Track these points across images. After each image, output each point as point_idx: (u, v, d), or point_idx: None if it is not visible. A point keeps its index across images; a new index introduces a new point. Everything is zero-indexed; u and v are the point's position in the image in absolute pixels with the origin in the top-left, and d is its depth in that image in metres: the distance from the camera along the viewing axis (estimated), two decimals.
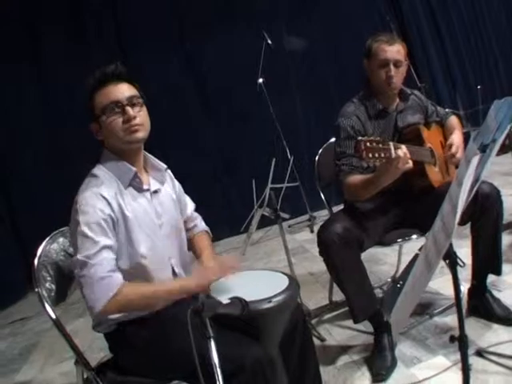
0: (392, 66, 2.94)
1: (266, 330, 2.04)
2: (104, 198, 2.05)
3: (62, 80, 5.99)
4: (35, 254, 2.30)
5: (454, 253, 1.76)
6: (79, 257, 1.98)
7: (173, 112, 6.09)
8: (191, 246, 2.53)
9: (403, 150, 2.48)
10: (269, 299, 1.92)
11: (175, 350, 1.98)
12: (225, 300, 1.68)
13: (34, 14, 6.18)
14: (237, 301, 1.69)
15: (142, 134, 2.16)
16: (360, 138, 2.38)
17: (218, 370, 1.56)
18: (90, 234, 1.99)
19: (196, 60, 6.72)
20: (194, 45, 6.68)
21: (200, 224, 2.60)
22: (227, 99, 6.66)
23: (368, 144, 2.35)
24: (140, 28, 6.43)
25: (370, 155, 2.36)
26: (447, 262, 1.78)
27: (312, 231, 5.99)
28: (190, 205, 2.59)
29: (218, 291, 2.03)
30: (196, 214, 2.61)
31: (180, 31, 6.68)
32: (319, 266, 4.30)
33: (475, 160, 1.35)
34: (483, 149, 1.42)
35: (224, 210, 6.39)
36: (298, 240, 5.80)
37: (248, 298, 1.73)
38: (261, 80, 6.06)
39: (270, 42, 5.97)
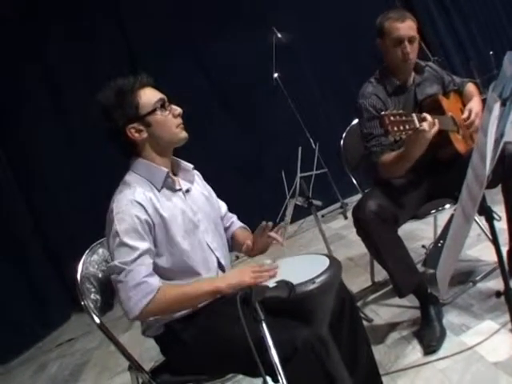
0: (407, 43, 2.94)
1: (314, 310, 2.06)
2: (139, 203, 2.09)
3: (80, 90, 6.03)
4: (76, 270, 2.33)
5: (489, 207, 1.78)
6: (116, 262, 2.03)
7: (190, 114, 5.96)
8: (233, 242, 2.57)
9: (427, 118, 2.51)
10: (312, 280, 1.94)
11: (226, 341, 2.01)
12: (271, 284, 1.72)
13: (37, 14, 6.28)
14: (283, 284, 1.72)
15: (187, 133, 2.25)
16: (383, 112, 2.40)
17: (274, 352, 1.58)
18: (127, 241, 2.03)
19: (208, 60, 6.75)
20: (204, 44, 6.70)
21: (236, 221, 2.64)
22: (244, 96, 6.68)
23: (392, 118, 2.38)
24: (148, 30, 6.44)
25: (396, 128, 2.39)
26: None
27: (346, 217, 6.02)
28: (223, 206, 2.63)
29: None
30: (231, 214, 2.65)
31: (188, 31, 6.66)
32: (357, 250, 4.35)
33: (496, 107, 1.38)
34: (503, 102, 1.44)
35: (256, 208, 6.38)
36: (333, 228, 5.82)
37: (292, 281, 1.75)
38: (276, 74, 6.10)
39: (279, 35, 5.99)
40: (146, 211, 2.09)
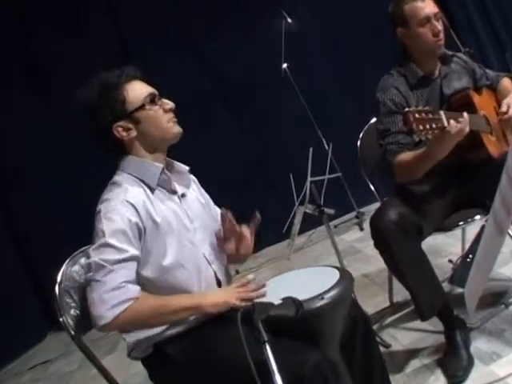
0: (434, 21, 2.96)
1: (323, 330, 2.06)
2: (131, 204, 2.11)
3: (67, 81, 6.05)
4: (54, 282, 2.32)
5: None
6: (97, 259, 2.03)
7: (189, 112, 5.90)
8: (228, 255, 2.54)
9: (458, 119, 2.50)
10: (320, 296, 1.95)
11: (225, 365, 2.01)
12: (275, 301, 1.72)
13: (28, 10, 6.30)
14: (290, 301, 1.71)
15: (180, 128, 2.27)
16: (407, 109, 2.39)
17: (279, 378, 1.56)
18: (113, 242, 2.04)
19: (207, 48, 6.73)
20: (202, 35, 6.68)
21: None
22: (248, 90, 6.65)
23: (417, 115, 2.37)
24: (141, 18, 6.44)
25: (421, 127, 2.37)
26: None
27: (362, 229, 6.00)
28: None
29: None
30: None
31: (185, 16, 6.70)
32: (374, 266, 4.35)
33: None
34: None
35: (261, 216, 6.31)
36: (346, 240, 5.80)
37: (299, 298, 1.75)
38: (285, 65, 6.05)
39: (289, 20, 5.96)
40: (138, 214, 2.11)
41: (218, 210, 2.56)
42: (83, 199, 6.10)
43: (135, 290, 2.05)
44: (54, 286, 2.31)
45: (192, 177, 2.50)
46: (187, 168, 2.42)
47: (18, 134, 6.25)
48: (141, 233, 2.11)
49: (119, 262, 2.03)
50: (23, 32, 6.27)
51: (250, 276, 2.18)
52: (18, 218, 6.37)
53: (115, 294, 2.00)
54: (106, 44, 6.41)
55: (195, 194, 2.44)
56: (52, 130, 6.40)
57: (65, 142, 6.34)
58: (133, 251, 2.07)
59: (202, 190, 2.55)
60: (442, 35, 2.98)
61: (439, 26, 2.96)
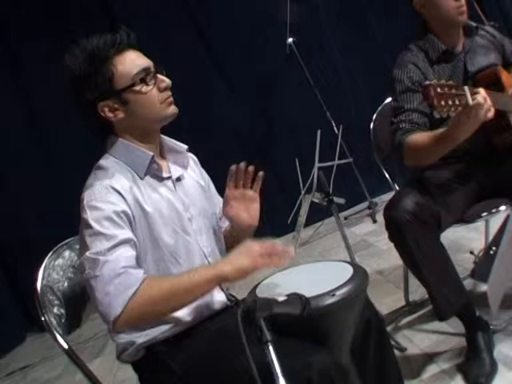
0: None
1: (332, 331, 2.04)
2: (116, 191, 2.07)
3: (44, 55, 6.07)
4: (35, 277, 2.29)
5: None
6: (88, 254, 1.97)
7: (187, 92, 5.88)
8: (225, 241, 2.51)
9: (482, 95, 2.45)
10: (331, 292, 1.94)
11: (223, 368, 1.99)
12: (280, 298, 1.71)
13: None
14: (295, 298, 1.70)
15: (176, 108, 2.22)
16: (428, 82, 2.37)
17: (283, 382, 1.52)
18: (101, 229, 1.99)
19: (203, 23, 6.74)
20: (202, 10, 6.69)
21: None
22: (250, 67, 6.68)
23: (439, 89, 2.34)
24: None
25: (443, 103, 2.35)
26: None
27: (375, 221, 6.03)
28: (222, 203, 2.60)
29: (269, 288, 2.07)
30: None
31: None
32: (388, 261, 4.37)
33: None
34: None
35: (263, 205, 6.26)
36: (357, 234, 5.82)
37: (306, 294, 1.73)
38: (290, 40, 6.06)
39: None
40: (125, 201, 2.07)
41: (221, 199, 2.53)
42: (58, 194, 6.19)
43: (138, 272, 1.99)
44: (35, 282, 2.28)
45: (191, 156, 2.48)
46: (185, 147, 2.39)
47: None
48: (130, 221, 2.08)
49: (112, 249, 1.97)
50: None
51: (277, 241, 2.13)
52: None
53: (117, 283, 1.92)
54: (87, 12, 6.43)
55: (194, 175, 2.43)
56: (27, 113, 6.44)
57: (42, 125, 6.47)
58: (125, 234, 2.02)
59: (204, 172, 2.54)
60: (464, 8, 2.97)
61: None
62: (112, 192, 2.06)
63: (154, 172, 2.23)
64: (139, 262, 2.07)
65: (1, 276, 6.31)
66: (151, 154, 2.21)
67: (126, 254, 2.00)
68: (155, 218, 2.14)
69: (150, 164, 2.20)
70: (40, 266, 2.33)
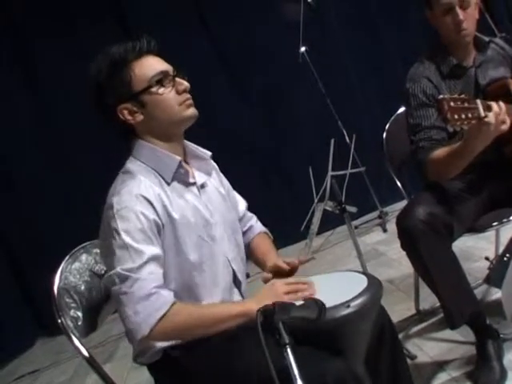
0: (458, 10, 2.95)
1: (347, 342, 2.06)
2: (146, 199, 2.10)
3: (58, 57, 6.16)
4: (52, 281, 2.33)
5: None
6: (119, 269, 2.01)
7: (198, 100, 5.84)
8: (250, 253, 2.57)
9: (495, 108, 2.49)
10: (347, 303, 1.95)
11: (241, 371, 2.02)
12: (297, 302, 1.75)
13: None
14: (312, 303, 1.74)
15: (196, 110, 2.25)
16: (442, 96, 2.41)
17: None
18: (132, 243, 2.03)
19: (217, 28, 6.74)
20: (213, 11, 6.72)
21: (256, 224, 2.66)
22: (263, 75, 6.67)
23: (452, 103, 2.37)
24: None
25: (456, 116, 2.38)
26: None
27: (385, 230, 6.04)
28: (242, 202, 2.66)
29: None
30: (250, 214, 2.68)
31: (198, 3, 6.72)
32: (398, 270, 4.39)
33: None
34: None
35: (275, 214, 6.31)
36: (368, 243, 5.83)
37: None
38: (303, 49, 6.06)
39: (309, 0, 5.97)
40: (155, 209, 2.10)
41: (239, 198, 2.63)
42: (72, 200, 6.20)
43: (169, 294, 2.04)
44: (51, 285, 2.31)
45: (213, 163, 2.50)
46: (209, 153, 2.42)
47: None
48: (160, 230, 2.11)
49: (143, 266, 2.01)
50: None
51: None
52: (3, 218, 6.38)
53: (148, 303, 1.99)
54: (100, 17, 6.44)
55: (215, 183, 2.45)
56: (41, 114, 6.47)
57: (56, 124, 6.44)
58: (154, 251, 2.06)
59: (223, 179, 2.56)
60: (464, 26, 2.98)
61: (462, 15, 2.95)
62: (142, 201, 2.09)
63: (181, 177, 2.25)
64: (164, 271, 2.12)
65: (11, 280, 6.31)
66: (179, 158, 2.24)
67: (156, 271, 2.05)
68: (181, 225, 2.17)
69: (178, 169, 2.23)
70: (54, 270, 2.37)
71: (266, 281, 2.24)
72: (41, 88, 6.46)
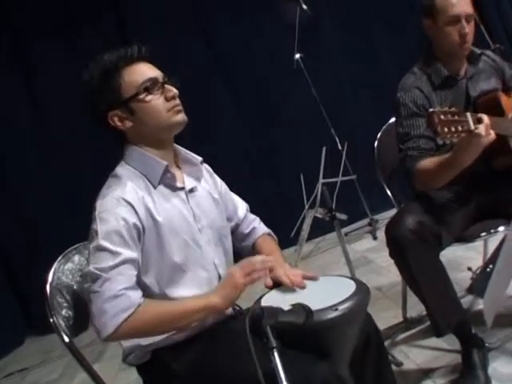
0: (464, 22, 2.98)
1: (334, 345, 2.06)
2: (128, 203, 2.12)
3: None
4: (45, 280, 2.34)
5: None
6: (92, 268, 2.05)
7: (192, 105, 5.87)
8: (253, 255, 2.54)
9: (484, 121, 2.52)
10: (334, 307, 1.96)
11: (228, 374, 2.04)
12: (285, 307, 1.78)
13: None
14: (299, 307, 1.77)
15: (185, 116, 2.27)
16: (432, 109, 2.43)
17: None
18: (107, 245, 2.06)
19: (213, 34, 6.77)
20: (209, 17, 6.74)
21: (259, 226, 2.68)
22: (257, 82, 6.71)
23: (442, 116, 2.40)
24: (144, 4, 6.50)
25: (446, 129, 2.40)
26: None
27: (375, 238, 6.07)
28: (242, 205, 2.68)
29: (273, 300, 2.09)
30: (253, 216, 2.70)
31: (195, 9, 6.72)
32: (387, 278, 4.41)
33: None
34: None
35: (266, 219, 6.25)
36: (358, 250, 5.84)
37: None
38: (298, 56, 6.07)
39: (305, 7, 5.94)
40: (136, 212, 2.13)
41: (239, 201, 2.67)
42: (63, 199, 6.21)
43: (136, 296, 2.06)
44: (44, 285, 2.32)
45: (206, 167, 2.53)
46: (200, 159, 2.44)
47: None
48: (140, 234, 2.13)
49: (115, 267, 2.04)
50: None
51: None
52: None
53: (114, 304, 2.01)
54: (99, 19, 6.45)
55: (207, 186, 2.47)
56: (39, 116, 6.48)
57: (49, 122, 6.46)
58: (129, 253, 2.08)
59: (219, 182, 2.59)
60: (469, 38, 3.03)
61: (467, 28, 2.99)
62: (123, 204, 2.12)
63: (167, 182, 2.27)
64: (143, 273, 2.15)
65: (3, 279, 6.31)
66: (165, 163, 2.25)
67: (128, 273, 2.08)
68: (165, 228, 2.19)
69: (164, 173, 2.25)
70: (45, 270, 2.38)
71: (267, 286, 2.24)
72: (40, 88, 6.48)
